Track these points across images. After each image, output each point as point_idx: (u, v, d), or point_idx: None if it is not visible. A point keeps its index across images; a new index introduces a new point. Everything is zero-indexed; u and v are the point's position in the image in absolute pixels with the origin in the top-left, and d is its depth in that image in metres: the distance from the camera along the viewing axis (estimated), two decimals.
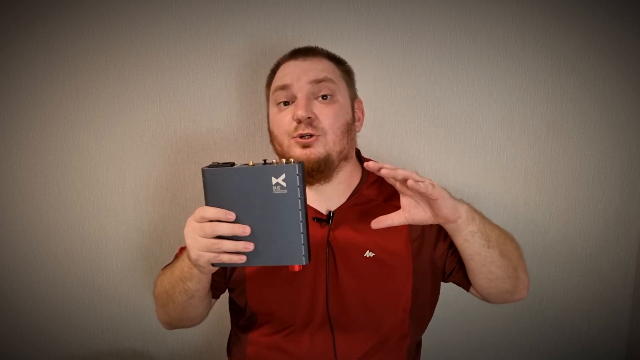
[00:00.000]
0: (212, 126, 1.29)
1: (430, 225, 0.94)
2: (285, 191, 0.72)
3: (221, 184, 0.73)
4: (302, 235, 0.73)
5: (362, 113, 1.00)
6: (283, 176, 0.71)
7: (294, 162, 0.72)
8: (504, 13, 1.20)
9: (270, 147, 0.96)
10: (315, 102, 0.90)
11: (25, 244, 1.37)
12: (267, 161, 0.74)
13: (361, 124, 0.99)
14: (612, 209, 1.28)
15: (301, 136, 0.88)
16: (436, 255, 0.95)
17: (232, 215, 0.72)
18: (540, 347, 1.36)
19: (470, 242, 0.83)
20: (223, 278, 0.98)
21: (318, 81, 0.89)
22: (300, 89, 0.89)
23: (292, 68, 0.92)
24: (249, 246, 0.72)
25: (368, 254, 0.91)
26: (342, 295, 0.91)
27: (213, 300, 1.01)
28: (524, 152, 1.26)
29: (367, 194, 0.96)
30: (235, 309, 1.02)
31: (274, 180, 0.72)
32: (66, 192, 1.34)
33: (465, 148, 1.27)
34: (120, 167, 1.33)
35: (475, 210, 0.84)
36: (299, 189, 0.72)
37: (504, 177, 1.28)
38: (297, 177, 0.71)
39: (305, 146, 0.88)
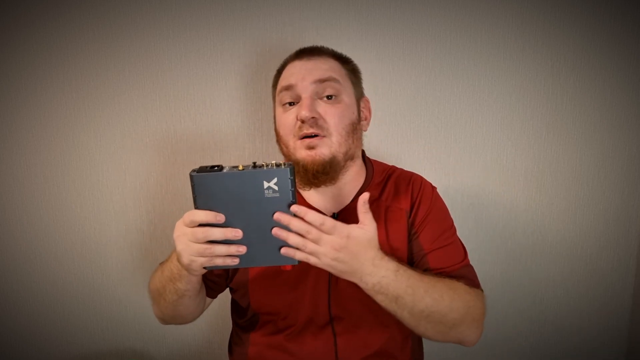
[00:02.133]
0: (212, 126, 1.29)
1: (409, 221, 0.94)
2: (277, 195, 0.72)
3: (211, 188, 0.72)
4: None
5: (369, 112, 0.99)
6: (275, 180, 0.71)
7: (284, 165, 0.71)
8: (504, 13, 1.20)
9: (271, 146, 0.96)
10: (320, 102, 0.89)
11: (25, 244, 1.37)
12: (257, 164, 0.73)
13: (368, 123, 0.99)
14: (612, 209, 1.28)
15: (306, 136, 0.87)
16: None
17: (221, 217, 0.72)
18: (540, 347, 1.36)
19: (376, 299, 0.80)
20: (224, 279, 0.98)
21: (322, 80, 0.89)
22: (305, 89, 0.88)
23: (297, 68, 0.91)
24: (241, 249, 0.73)
25: None
26: (344, 297, 0.92)
27: (209, 299, 1.01)
28: (524, 152, 1.26)
29: (372, 194, 0.95)
30: (237, 309, 1.02)
31: (265, 184, 0.71)
32: (66, 192, 1.34)
33: (465, 148, 1.27)
34: (120, 167, 1.33)
35: (398, 283, 0.78)
36: (291, 192, 0.72)
37: (504, 177, 1.28)
38: (289, 180, 0.71)
39: (310, 147, 0.87)
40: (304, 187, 0.93)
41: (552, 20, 1.20)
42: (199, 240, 0.72)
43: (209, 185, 0.72)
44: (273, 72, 0.99)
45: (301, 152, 0.88)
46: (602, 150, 1.25)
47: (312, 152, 0.87)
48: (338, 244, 0.73)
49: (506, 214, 1.29)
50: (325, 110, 0.88)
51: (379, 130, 1.26)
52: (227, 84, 1.27)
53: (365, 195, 0.77)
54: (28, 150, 1.33)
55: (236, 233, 0.72)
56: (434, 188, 1.00)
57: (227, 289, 1.02)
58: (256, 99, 1.27)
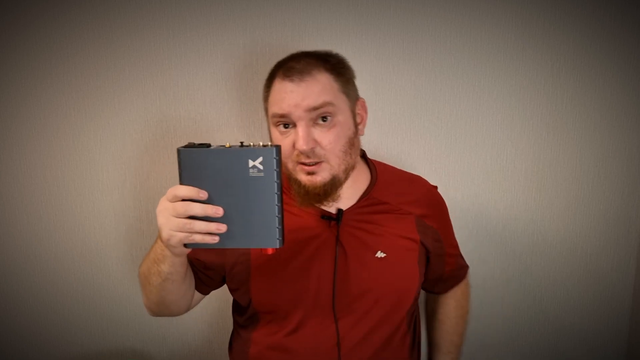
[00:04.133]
0: (212, 126, 1.29)
1: (432, 232, 0.98)
2: (262, 174, 0.72)
3: (197, 164, 0.72)
4: (277, 218, 0.73)
5: (365, 111, 0.98)
6: (260, 159, 0.71)
7: (271, 145, 0.71)
8: (504, 13, 1.20)
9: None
10: (316, 127, 0.87)
11: (25, 244, 1.37)
12: (244, 143, 0.73)
13: (364, 125, 0.97)
14: (612, 209, 1.28)
15: (304, 162, 0.87)
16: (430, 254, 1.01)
17: (204, 194, 0.72)
18: (540, 347, 1.36)
19: None
20: (219, 275, 0.98)
21: (316, 108, 0.86)
22: (299, 118, 0.86)
23: (287, 93, 0.86)
24: (222, 227, 0.72)
25: (380, 254, 0.92)
26: (350, 294, 0.92)
27: (199, 295, 1.00)
28: (524, 152, 1.26)
29: (378, 196, 0.96)
30: (237, 308, 1.03)
31: (250, 163, 0.71)
32: (66, 192, 1.34)
33: (465, 148, 1.27)
34: (120, 167, 1.33)
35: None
36: (275, 172, 0.72)
37: (504, 177, 1.28)
38: (275, 160, 0.71)
39: (309, 173, 0.88)
40: (306, 207, 0.92)
41: (552, 20, 1.20)
42: (180, 214, 0.72)
43: (194, 161, 0.72)
44: None
45: (301, 176, 0.89)
46: (602, 150, 1.25)
47: (311, 178, 0.88)
48: None
49: (506, 213, 1.30)
50: (321, 136, 0.87)
51: (379, 130, 1.26)
52: (227, 84, 1.27)
53: None
54: (28, 150, 1.33)
55: (217, 210, 0.72)
56: (435, 187, 1.05)
57: (227, 289, 1.02)
58: (256, 99, 1.27)
